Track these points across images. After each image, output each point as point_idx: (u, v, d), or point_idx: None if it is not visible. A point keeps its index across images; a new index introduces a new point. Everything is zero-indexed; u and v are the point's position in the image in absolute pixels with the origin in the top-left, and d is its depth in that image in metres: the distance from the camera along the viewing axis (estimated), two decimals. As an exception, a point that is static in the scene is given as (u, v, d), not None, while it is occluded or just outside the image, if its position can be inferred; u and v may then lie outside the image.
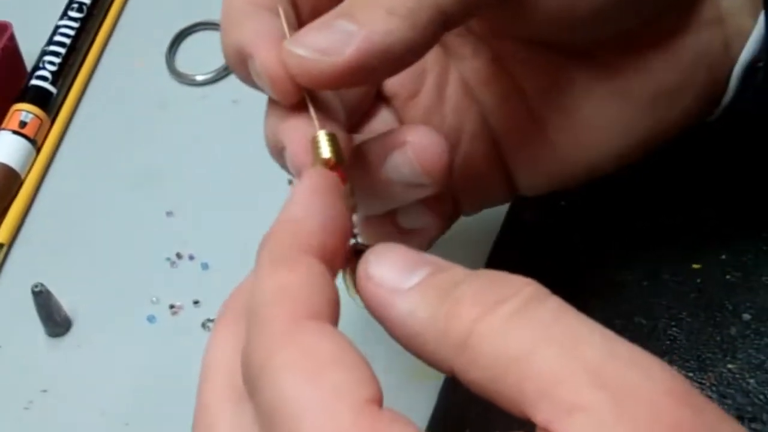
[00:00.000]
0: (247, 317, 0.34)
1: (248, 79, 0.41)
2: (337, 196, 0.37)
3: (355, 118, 0.47)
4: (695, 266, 0.55)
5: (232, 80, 0.71)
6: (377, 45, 0.38)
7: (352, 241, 0.38)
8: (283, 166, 0.42)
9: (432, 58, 0.48)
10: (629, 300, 0.55)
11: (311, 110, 0.39)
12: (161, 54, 0.73)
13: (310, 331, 0.33)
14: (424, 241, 0.47)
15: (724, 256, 0.55)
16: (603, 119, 0.47)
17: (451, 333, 0.33)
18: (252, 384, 0.33)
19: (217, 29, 0.74)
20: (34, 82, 0.70)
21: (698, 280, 0.55)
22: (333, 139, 0.39)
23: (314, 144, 0.39)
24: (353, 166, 0.42)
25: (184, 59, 0.73)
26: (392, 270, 0.35)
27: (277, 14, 0.40)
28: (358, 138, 0.44)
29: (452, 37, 0.48)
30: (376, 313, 0.35)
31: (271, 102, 0.41)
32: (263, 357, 0.32)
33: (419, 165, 0.42)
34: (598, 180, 0.50)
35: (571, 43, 0.46)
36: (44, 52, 0.71)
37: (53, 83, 0.70)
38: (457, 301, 0.33)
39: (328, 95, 0.41)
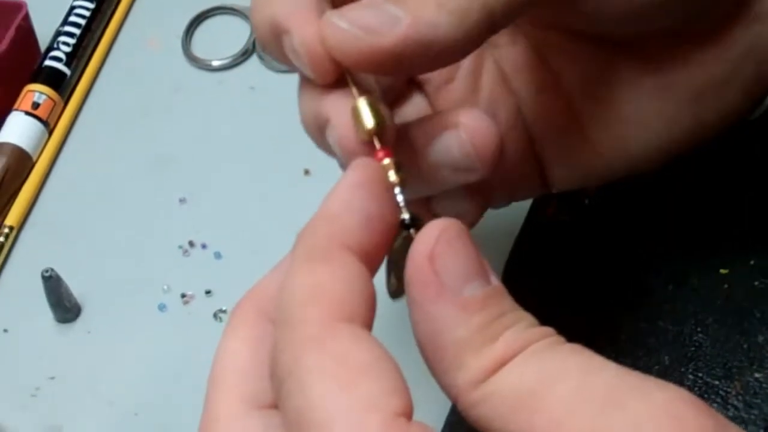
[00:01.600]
0: (277, 315, 0.33)
1: (282, 57, 0.40)
2: (383, 190, 0.35)
3: (388, 101, 0.45)
4: (723, 271, 0.54)
5: (249, 66, 0.70)
6: (422, 35, 0.37)
7: (404, 216, 0.36)
8: (322, 145, 0.40)
9: None
10: (654, 304, 0.54)
11: (349, 81, 0.38)
12: (177, 37, 0.72)
13: (344, 335, 0.32)
14: None
15: (752, 262, 0.54)
16: (645, 114, 0.46)
17: (472, 367, 0.33)
18: (279, 388, 0.32)
19: (235, 14, 0.73)
20: (47, 62, 0.68)
21: (726, 286, 0.54)
22: (376, 107, 0.37)
23: (355, 115, 0.37)
24: (397, 151, 0.40)
25: (200, 43, 0.72)
26: (457, 265, 0.33)
27: None
28: (398, 121, 0.43)
29: None
30: (414, 292, 0.34)
31: (306, 78, 0.40)
32: (292, 361, 0.31)
33: (472, 146, 0.41)
34: (625, 179, 0.49)
35: (617, 35, 0.45)
36: (59, 33, 0.70)
37: (67, 64, 0.69)
38: (492, 339, 0.33)
39: (365, 75, 0.39)
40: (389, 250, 0.36)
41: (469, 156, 0.41)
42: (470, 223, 0.47)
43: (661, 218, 0.56)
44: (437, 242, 0.33)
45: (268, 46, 0.40)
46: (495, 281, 0.34)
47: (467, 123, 0.41)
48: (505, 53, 0.47)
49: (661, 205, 0.57)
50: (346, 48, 0.37)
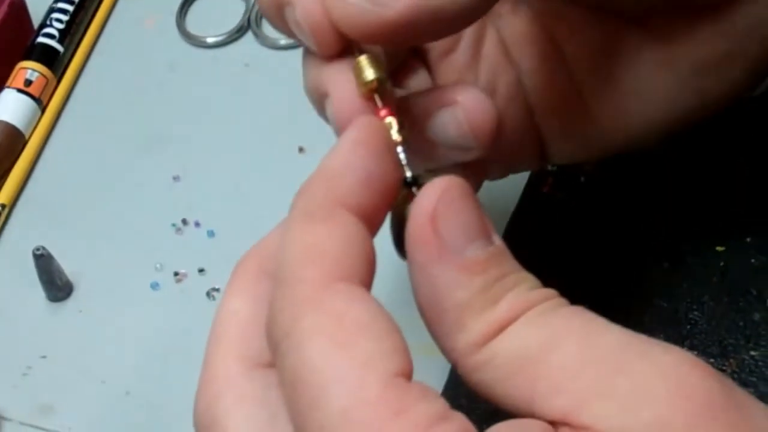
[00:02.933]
0: (275, 274, 0.33)
1: (284, 28, 0.39)
2: (384, 149, 0.34)
3: (390, 72, 0.45)
4: (719, 249, 0.54)
5: (244, 43, 0.70)
6: (429, 3, 0.36)
7: (406, 174, 0.35)
8: (323, 116, 0.40)
9: None
10: (649, 281, 0.53)
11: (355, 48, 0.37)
12: (172, 14, 0.71)
13: (341, 295, 0.31)
14: None
15: (749, 239, 0.54)
16: (647, 88, 0.45)
17: (473, 330, 0.32)
18: (276, 348, 0.32)
19: (230, -10, 0.72)
20: (40, 39, 0.68)
21: (721, 263, 0.53)
22: (377, 63, 0.37)
23: (357, 70, 0.37)
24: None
25: (195, 20, 0.71)
26: (459, 224, 0.33)
27: None
28: (399, 92, 0.42)
29: None
30: (415, 253, 0.33)
31: (309, 49, 0.39)
32: (289, 321, 0.31)
33: (468, 127, 0.40)
34: (621, 155, 0.48)
35: (621, 6, 0.44)
36: (52, 9, 0.69)
37: (60, 41, 0.68)
38: (494, 301, 0.32)
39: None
40: (392, 210, 0.35)
41: (465, 135, 0.41)
42: None
43: (656, 195, 0.56)
44: (439, 201, 0.33)
45: (270, 17, 0.40)
46: (497, 241, 0.34)
47: (465, 102, 0.40)
48: (507, 23, 0.46)
49: (657, 182, 0.56)
50: (352, 21, 0.36)
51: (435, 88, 0.42)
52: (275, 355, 0.32)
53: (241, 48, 0.70)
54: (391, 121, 0.36)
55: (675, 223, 0.55)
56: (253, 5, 0.70)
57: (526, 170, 0.50)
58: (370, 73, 0.36)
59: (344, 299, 0.31)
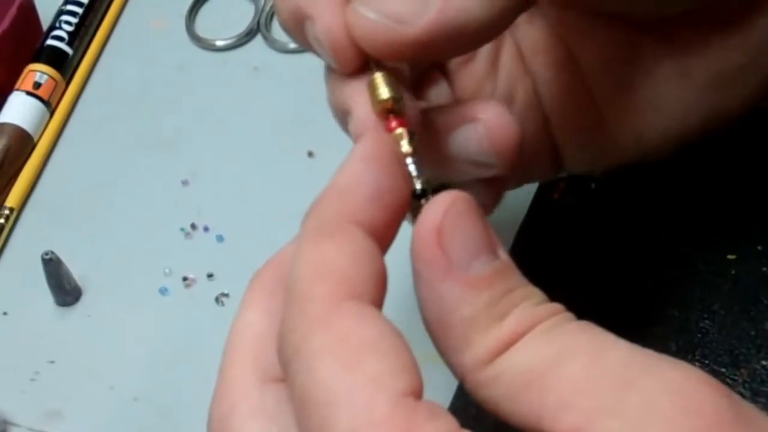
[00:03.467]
0: (286, 292, 0.32)
1: (305, 44, 0.39)
2: (395, 163, 0.34)
3: (411, 84, 0.44)
4: (730, 257, 0.53)
5: (254, 46, 0.70)
6: (453, 20, 0.36)
7: (416, 186, 0.35)
8: (347, 131, 0.39)
9: None
10: (660, 289, 0.53)
11: (372, 63, 0.37)
12: (181, 16, 0.71)
13: (350, 313, 0.31)
14: None
15: (760, 247, 0.53)
16: (662, 99, 0.45)
17: (480, 347, 0.32)
18: (287, 367, 0.31)
19: (239, -7, 0.72)
20: (49, 42, 0.68)
21: (733, 272, 0.53)
22: (393, 82, 0.36)
23: (371, 87, 0.37)
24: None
25: (204, 23, 0.71)
26: (465, 240, 0.33)
27: None
28: (420, 105, 0.42)
29: None
30: (421, 269, 0.33)
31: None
32: (299, 340, 0.31)
33: (490, 144, 0.40)
34: (637, 164, 0.48)
35: (638, 17, 0.44)
36: (61, 12, 0.69)
37: (69, 44, 0.68)
38: (500, 317, 0.32)
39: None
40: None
41: (486, 152, 0.40)
42: (485, 213, 0.46)
43: (667, 203, 0.56)
44: (444, 216, 0.33)
45: (290, 31, 0.39)
46: (503, 255, 0.33)
47: (487, 118, 0.40)
48: (523, 32, 0.46)
49: (668, 189, 0.56)
50: (374, 39, 0.36)
51: (457, 102, 0.42)
52: (286, 374, 0.31)
53: (251, 51, 0.69)
54: (402, 132, 0.36)
55: (686, 231, 0.54)
56: (263, 8, 0.70)
57: (540, 179, 0.50)
58: (384, 92, 0.36)
59: (353, 318, 0.31)
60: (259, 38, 0.70)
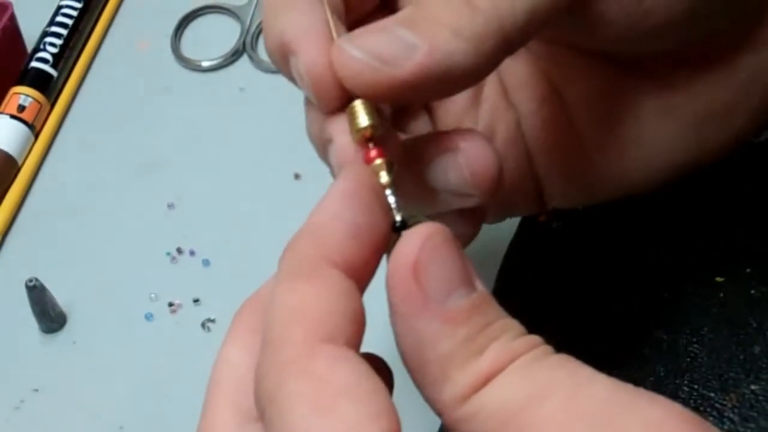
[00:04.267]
0: (262, 334, 0.32)
1: (289, 76, 0.38)
2: (375, 199, 0.34)
3: (390, 113, 0.43)
4: (718, 279, 0.53)
5: (240, 67, 0.69)
6: (439, 65, 0.35)
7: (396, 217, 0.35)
8: (326, 161, 0.39)
9: None
10: (648, 312, 0.53)
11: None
12: (166, 37, 0.71)
13: (325, 357, 0.31)
14: None
15: (749, 270, 0.53)
16: (648, 136, 0.45)
17: (458, 382, 0.32)
18: (263, 413, 0.31)
19: (225, 13, 0.72)
20: (34, 64, 0.67)
21: (721, 294, 0.52)
22: (372, 110, 0.36)
23: (350, 114, 0.36)
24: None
25: (190, 43, 0.71)
26: (441, 274, 0.32)
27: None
28: (400, 136, 0.41)
29: None
30: (397, 304, 0.32)
31: None
32: (274, 386, 0.30)
33: (469, 173, 0.40)
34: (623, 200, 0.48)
35: (622, 55, 0.44)
36: (45, 33, 0.69)
37: (54, 66, 0.67)
38: (478, 352, 0.32)
39: None
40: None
41: (466, 182, 0.40)
42: (464, 243, 0.45)
43: (655, 225, 0.55)
44: (421, 250, 0.32)
45: (275, 62, 0.39)
46: (480, 287, 0.33)
47: (467, 148, 0.40)
48: (507, 67, 0.46)
49: (656, 211, 0.55)
50: (359, 79, 0.36)
51: (437, 132, 0.42)
52: (263, 420, 0.31)
53: (237, 72, 0.69)
54: (381, 163, 0.35)
55: (674, 254, 0.54)
56: (249, 28, 0.70)
57: (524, 213, 0.50)
58: (364, 120, 0.36)
59: (328, 362, 0.30)
60: (245, 58, 0.69)
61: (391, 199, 0.35)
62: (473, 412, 0.31)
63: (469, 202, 0.41)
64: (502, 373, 0.31)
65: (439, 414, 0.33)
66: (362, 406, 0.30)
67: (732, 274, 0.53)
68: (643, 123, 0.44)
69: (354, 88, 0.36)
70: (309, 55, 0.36)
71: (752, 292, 0.52)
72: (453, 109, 0.45)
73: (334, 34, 0.37)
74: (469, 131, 0.41)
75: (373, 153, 0.36)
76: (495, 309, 0.33)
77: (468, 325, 0.32)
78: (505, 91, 0.46)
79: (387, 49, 0.35)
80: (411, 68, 0.35)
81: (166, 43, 0.70)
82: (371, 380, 0.30)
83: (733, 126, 0.44)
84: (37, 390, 0.56)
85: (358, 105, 0.36)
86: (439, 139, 0.40)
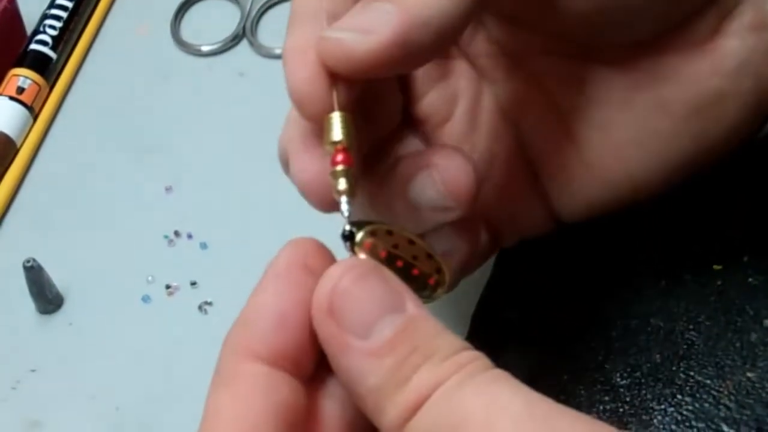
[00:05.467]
0: None
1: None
2: (305, 276, 0.34)
3: (381, 141, 0.44)
4: (716, 267, 0.53)
5: (239, 52, 0.69)
6: (416, 18, 0.36)
7: (346, 227, 0.35)
8: (287, 173, 0.41)
9: (464, 83, 0.46)
10: (645, 300, 0.52)
11: (334, 94, 0.37)
12: (166, 22, 0.71)
13: None
14: (455, 266, 0.45)
15: (746, 258, 0.53)
16: (641, 134, 0.45)
17: (390, 414, 0.32)
18: None
19: (224, -2, 0.72)
20: (33, 46, 0.67)
21: (719, 282, 0.52)
22: (349, 125, 0.36)
23: (327, 124, 0.36)
24: (380, 192, 0.41)
25: (189, 28, 0.71)
26: (360, 309, 0.33)
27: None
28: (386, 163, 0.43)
29: (484, 60, 0.46)
30: (323, 345, 0.34)
31: (294, 112, 0.39)
32: None
33: (444, 187, 0.41)
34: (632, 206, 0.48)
35: (605, 48, 0.44)
36: (45, 16, 0.69)
37: (53, 48, 0.67)
38: (404, 381, 0.32)
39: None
40: None
41: (442, 196, 0.41)
42: (467, 260, 0.46)
43: (653, 213, 0.55)
44: (333, 291, 0.33)
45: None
46: (410, 307, 0.33)
47: (439, 163, 0.41)
48: (503, 87, 0.46)
49: (655, 199, 0.55)
50: (347, 55, 0.36)
51: (414, 153, 0.42)
52: None
53: (236, 56, 0.69)
54: (342, 170, 0.36)
55: (672, 241, 0.54)
56: (249, 13, 0.70)
57: (539, 233, 0.50)
58: (337, 134, 0.36)
59: None
60: (244, 43, 0.69)
61: (344, 207, 0.36)
62: None
63: (451, 215, 0.42)
64: (428, 401, 0.32)
65: None
66: None
67: (730, 262, 0.53)
68: (636, 121, 0.45)
69: (343, 69, 0.36)
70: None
71: (750, 280, 0.52)
72: (449, 137, 0.45)
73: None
74: (443, 147, 0.42)
75: (339, 158, 0.36)
76: (424, 329, 0.33)
77: (393, 355, 0.32)
78: (502, 113, 0.46)
79: (366, 21, 0.36)
80: (390, 30, 0.35)
81: (166, 27, 0.70)
82: None
83: (727, 115, 0.44)
84: (33, 370, 0.56)
85: (336, 117, 0.36)
86: (415, 159, 0.42)
